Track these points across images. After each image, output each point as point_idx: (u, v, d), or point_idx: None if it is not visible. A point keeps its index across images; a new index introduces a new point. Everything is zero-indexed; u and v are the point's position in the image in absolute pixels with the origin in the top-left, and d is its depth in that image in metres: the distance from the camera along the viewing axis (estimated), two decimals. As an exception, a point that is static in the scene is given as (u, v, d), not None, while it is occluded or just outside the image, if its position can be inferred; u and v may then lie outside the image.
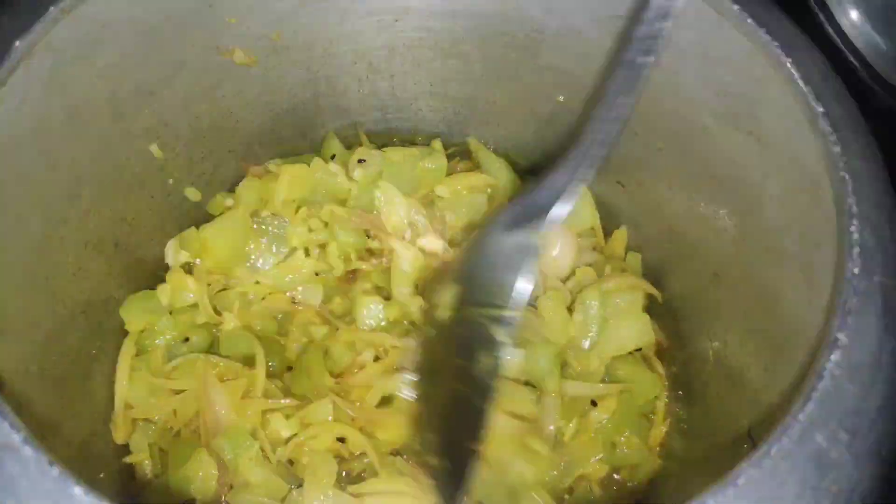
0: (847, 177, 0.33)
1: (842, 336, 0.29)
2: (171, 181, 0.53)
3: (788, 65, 0.36)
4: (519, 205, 0.46)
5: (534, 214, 0.44)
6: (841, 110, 0.35)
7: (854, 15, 0.55)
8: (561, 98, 0.55)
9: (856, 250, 0.31)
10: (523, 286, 0.43)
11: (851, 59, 0.56)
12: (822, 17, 0.56)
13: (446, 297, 0.48)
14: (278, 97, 0.55)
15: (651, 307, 0.55)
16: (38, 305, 0.42)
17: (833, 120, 0.35)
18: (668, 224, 0.54)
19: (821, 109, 0.35)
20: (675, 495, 0.45)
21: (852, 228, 0.32)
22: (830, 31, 0.56)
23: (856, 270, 0.31)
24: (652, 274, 0.56)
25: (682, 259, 0.54)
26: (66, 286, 0.45)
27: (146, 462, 0.48)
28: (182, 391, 0.49)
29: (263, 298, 0.53)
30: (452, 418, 0.46)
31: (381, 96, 0.58)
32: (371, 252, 0.55)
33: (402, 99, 0.58)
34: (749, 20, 0.38)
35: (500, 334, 0.43)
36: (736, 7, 0.38)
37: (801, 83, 0.36)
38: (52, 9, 0.36)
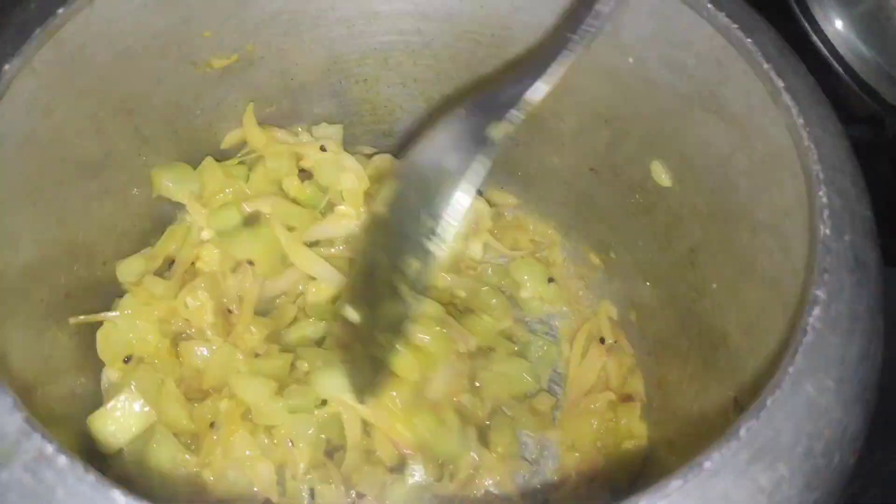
0: (812, 146, 0.36)
1: (820, 293, 0.31)
2: (154, 196, 0.53)
3: (749, 44, 0.38)
4: (480, 96, 0.41)
5: (497, 105, 0.40)
6: (800, 83, 0.37)
7: (838, 24, 0.57)
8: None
9: (826, 213, 0.34)
10: (463, 194, 0.40)
11: (837, 66, 0.57)
12: (807, 26, 0.57)
13: (386, 193, 0.45)
14: (256, 107, 0.56)
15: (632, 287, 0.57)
16: (37, 328, 0.42)
17: (794, 93, 0.37)
18: (646, 206, 0.56)
19: (782, 84, 0.37)
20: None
21: (820, 193, 0.34)
22: (815, 39, 0.57)
23: (827, 231, 0.33)
24: (628, 258, 0.59)
25: (658, 236, 0.56)
26: (61, 307, 0.45)
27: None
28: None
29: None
30: (379, 311, 0.46)
31: (355, 100, 0.59)
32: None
33: (376, 101, 0.60)
34: (709, 5, 0.40)
35: (430, 244, 0.41)
36: (695, -7, 0.40)
37: (762, 60, 0.38)
38: (36, 31, 0.36)
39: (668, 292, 0.55)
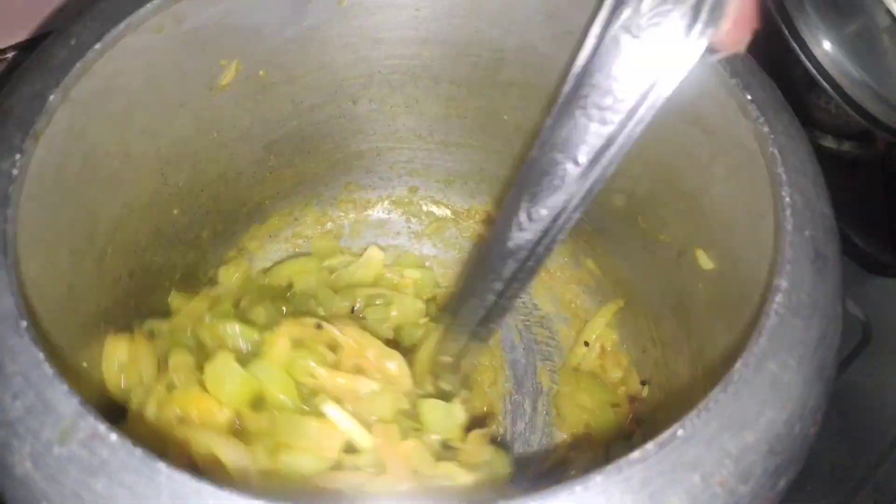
0: (776, 152, 0.39)
1: (783, 282, 0.35)
2: (175, 212, 0.57)
3: (717, 61, 0.42)
4: None
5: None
6: (765, 96, 0.41)
7: (827, 45, 0.58)
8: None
9: (788, 211, 0.37)
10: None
11: (826, 85, 0.59)
12: (796, 46, 0.59)
13: None
14: (268, 129, 0.60)
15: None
16: (75, 339, 0.46)
17: (760, 105, 0.41)
18: (633, 212, 0.60)
19: (749, 97, 0.41)
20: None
21: (783, 193, 0.38)
22: (805, 59, 0.59)
23: (789, 227, 0.37)
24: (619, 263, 0.62)
25: (647, 241, 0.59)
26: (94, 319, 0.49)
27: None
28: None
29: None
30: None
31: (360, 120, 0.63)
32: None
33: (380, 121, 0.64)
34: (682, 27, 0.44)
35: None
36: (669, 16, 0.44)
37: (729, 76, 0.42)
38: (77, 64, 0.40)
39: (657, 293, 0.59)
